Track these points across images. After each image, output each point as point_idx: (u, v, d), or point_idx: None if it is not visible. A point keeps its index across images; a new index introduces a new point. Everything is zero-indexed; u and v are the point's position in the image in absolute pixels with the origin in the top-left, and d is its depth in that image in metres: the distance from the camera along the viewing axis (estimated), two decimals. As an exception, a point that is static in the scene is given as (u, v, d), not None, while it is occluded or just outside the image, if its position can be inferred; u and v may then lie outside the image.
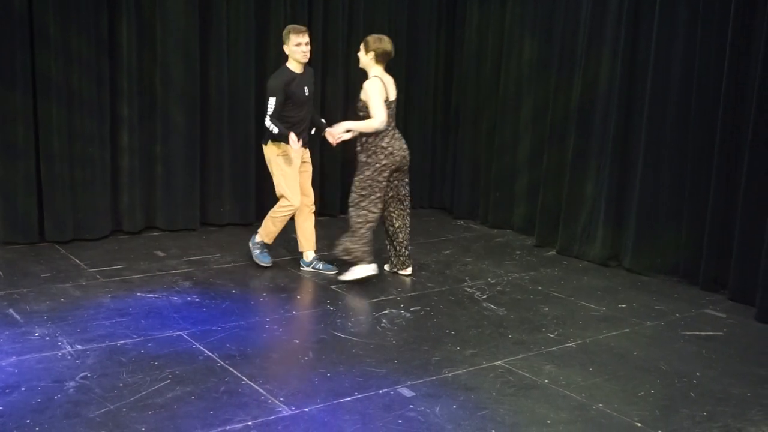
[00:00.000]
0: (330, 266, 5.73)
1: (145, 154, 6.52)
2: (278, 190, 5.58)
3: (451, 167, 8.12)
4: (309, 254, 5.78)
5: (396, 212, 5.55)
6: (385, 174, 5.33)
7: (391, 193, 5.50)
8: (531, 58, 7.05)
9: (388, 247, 5.69)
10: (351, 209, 5.38)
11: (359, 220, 5.33)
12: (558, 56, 6.65)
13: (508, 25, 7.24)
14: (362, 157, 5.34)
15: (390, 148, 5.30)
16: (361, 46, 5.38)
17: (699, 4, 5.54)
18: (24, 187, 5.90)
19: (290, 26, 5.55)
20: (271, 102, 5.36)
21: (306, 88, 5.55)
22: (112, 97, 6.26)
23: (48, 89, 5.87)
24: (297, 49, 5.42)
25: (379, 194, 5.33)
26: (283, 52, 5.55)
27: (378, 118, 5.19)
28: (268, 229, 5.71)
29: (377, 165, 5.29)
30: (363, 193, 5.32)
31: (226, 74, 6.75)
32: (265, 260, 5.78)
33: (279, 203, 5.59)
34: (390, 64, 7.70)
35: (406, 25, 7.83)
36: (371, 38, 5.38)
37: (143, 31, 6.34)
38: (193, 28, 6.48)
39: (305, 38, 5.44)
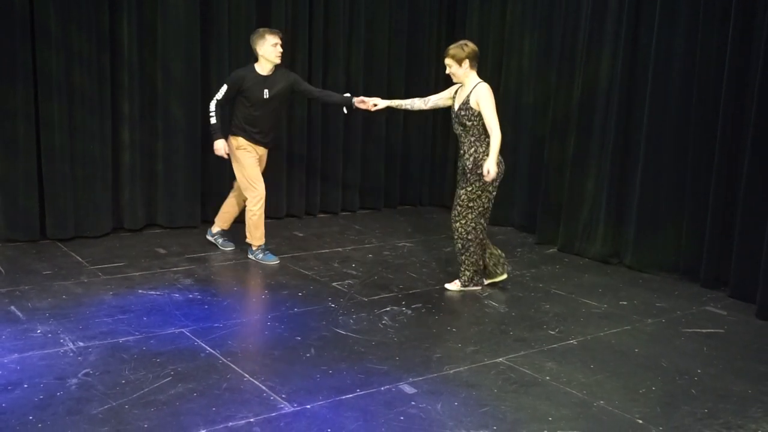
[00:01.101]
0: (229, 243, 6.08)
1: (146, 151, 6.52)
2: (241, 184, 5.79)
3: (452, 165, 8.11)
4: (216, 228, 6.12)
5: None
6: (496, 184, 5.13)
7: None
8: (531, 55, 7.05)
9: (488, 259, 5.40)
10: (457, 224, 5.17)
11: (470, 237, 5.16)
12: (558, 54, 6.65)
13: (508, 23, 7.24)
14: (473, 170, 5.05)
15: (500, 157, 5.05)
16: (450, 61, 5.11)
17: (700, 1, 5.54)
18: (25, 184, 5.90)
19: (262, 28, 5.74)
20: (222, 88, 5.64)
21: (267, 90, 5.63)
22: (113, 93, 6.26)
23: (49, 86, 5.87)
24: (273, 49, 5.58)
25: (488, 206, 5.17)
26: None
27: (496, 128, 4.96)
28: (254, 233, 5.83)
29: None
30: (471, 205, 5.11)
31: (226, 71, 6.72)
32: (270, 260, 5.83)
33: (247, 202, 5.77)
34: (390, 64, 7.79)
35: (406, 24, 7.83)
36: (456, 49, 5.10)
37: (144, 27, 6.33)
38: (194, 24, 6.48)
39: (280, 39, 5.63)
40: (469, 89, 5.11)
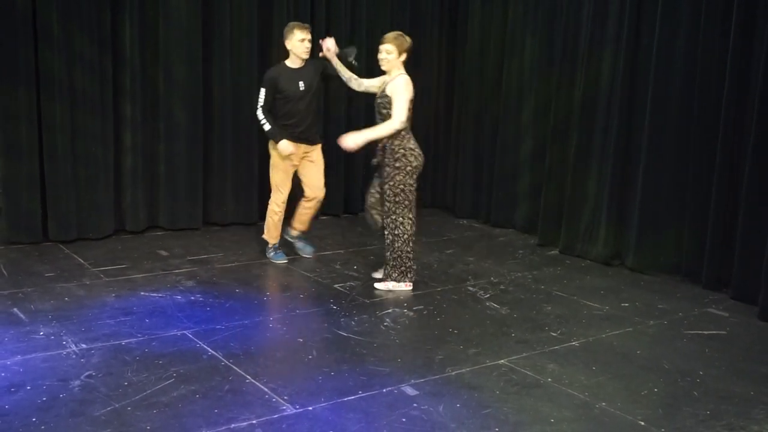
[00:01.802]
0: (309, 247, 6.03)
1: (148, 153, 6.53)
2: (271, 183, 5.82)
3: (453, 166, 8.12)
4: (294, 232, 6.01)
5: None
6: (415, 177, 5.14)
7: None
8: (533, 56, 7.05)
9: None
10: (386, 220, 5.19)
11: (396, 231, 5.15)
12: (560, 54, 6.65)
13: (510, 23, 7.24)
14: (390, 163, 5.09)
15: (418, 150, 5.11)
16: (392, 48, 5.06)
17: (701, 3, 5.54)
18: (28, 187, 5.92)
19: (294, 22, 5.70)
20: (261, 93, 5.62)
21: (301, 82, 5.61)
22: (115, 96, 6.28)
23: (51, 88, 5.89)
24: (301, 44, 5.54)
25: (412, 199, 5.16)
26: (285, 52, 5.64)
27: (398, 117, 4.99)
28: (272, 232, 5.90)
29: (408, 168, 5.07)
30: (397, 200, 5.12)
31: (228, 73, 6.76)
32: (279, 258, 5.88)
33: (271, 201, 5.81)
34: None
35: (408, 24, 7.83)
36: (400, 39, 5.10)
37: (146, 29, 6.35)
38: (196, 26, 6.50)
39: (309, 35, 5.58)
40: (391, 79, 5.13)
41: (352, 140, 5.07)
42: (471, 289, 5.44)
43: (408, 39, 5.18)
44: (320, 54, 5.61)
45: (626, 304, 5.23)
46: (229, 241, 6.49)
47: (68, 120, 5.99)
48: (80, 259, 5.68)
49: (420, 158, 5.14)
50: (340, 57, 5.60)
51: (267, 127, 5.56)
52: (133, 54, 6.29)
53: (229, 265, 5.78)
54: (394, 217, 5.15)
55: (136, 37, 6.28)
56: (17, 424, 3.20)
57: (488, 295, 5.31)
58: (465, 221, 7.75)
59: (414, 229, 5.22)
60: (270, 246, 5.94)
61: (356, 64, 5.71)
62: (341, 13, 7.33)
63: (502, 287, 5.50)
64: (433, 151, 8.27)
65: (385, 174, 5.13)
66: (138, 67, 6.34)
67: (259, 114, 5.59)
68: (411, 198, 5.15)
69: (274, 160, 5.73)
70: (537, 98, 7.02)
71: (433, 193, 8.38)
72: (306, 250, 6.04)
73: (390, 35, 5.16)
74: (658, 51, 5.82)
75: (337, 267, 5.84)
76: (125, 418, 3.29)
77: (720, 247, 5.50)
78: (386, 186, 5.13)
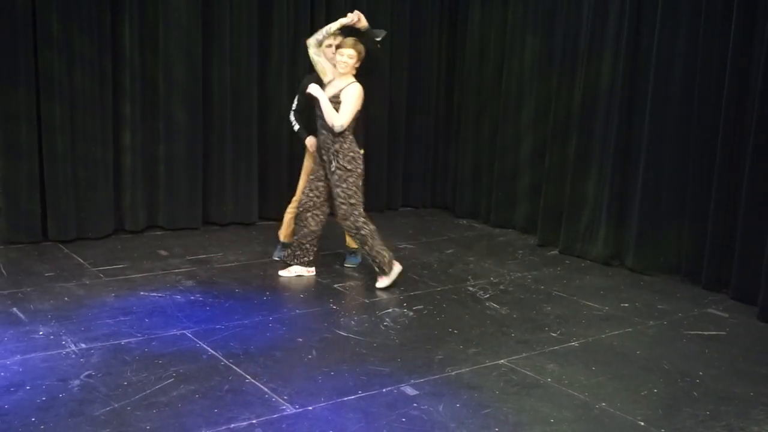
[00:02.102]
0: (350, 260, 5.93)
1: (148, 153, 6.53)
2: None
3: (453, 166, 8.12)
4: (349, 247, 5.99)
5: (320, 217, 5.42)
6: (363, 179, 5.33)
7: (321, 199, 5.38)
8: (533, 56, 7.05)
9: (301, 243, 5.47)
10: (347, 222, 5.29)
11: (362, 232, 5.28)
12: (560, 55, 6.65)
13: (510, 23, 7.24)
14: (342, 165, 5.21)
15: (361, 155, 5.32)
16: (354, 53, 5.16)
17: (701, 3, 5.54)
18: (27, 186, 5.91)
19: None
20: (296, 99, 5.76)
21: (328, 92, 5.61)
22: (115, 96, 6.28)
23: (51, 88, 5.88)
24: (327, 50, 5.57)
25: (361, 197, 5.32)
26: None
27: (341, 119, 5.10)
28: (283, 230, 5.88)
29: (359, 170, 5.27)
30: (352, 201, 5.26)
31: (228, 73, 6.75)
32: (282, 257, 5.85)
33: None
34: (392, 64, 7.80)
35: (408, 25, 7.84)
36: (357, 45, 5.18)
37: (146, 29, 6.35)
38: (196, 26, 6.49)
39: (333, 41, 5.52)
40: (344, 85, 5.20)
41: (315, 89, 5.17)
42: (471, 289, 5.44)
43: (362, 47, 5.27)
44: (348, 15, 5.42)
45: (626, 305, 5.23)
46: (228, 240, 6.49)
47: (68, 120, 5.98)
48: (80, 259, 5.68)
49: (363, 163, 5.35)
50: (367, 33, 5.48)
51: (296, 127, 5.73)
52: (133, 54, 6.29)
53: (229, 264, 5.78)
54: (353, 219, 5.28)
55: (136, 37, 6.28)
56: (17, 424, 3.19)
57: (488, 295, 5.30)
58: (465, 221, 7.75)
59: (372, 223, 5.35)
60: (281, 242, 5.92)
61: (380, 47, 5.70)
62: (341, 13, 7.28)
63: (502, 287, 5.50)
64: (433, 151, 8.29)
65: (337, 177, 5.24)
66: (138, 67, 6.34)
67: (291, 117, 5.77)
68: (361, 197, 5.32)
69: (305, 160, 5.80)
70: (537, 98, 7.01)
71: (433, 193, 8.38)
72: (347, 261, 5.94)
73: (350, 41, 5.24)
74: (658, 51, 5.82)
75: (337, 267, 5.84)
76: (125, 418, 3.29)
77: (720, 247, 5.50)
78: (339, 189, 5.25)
